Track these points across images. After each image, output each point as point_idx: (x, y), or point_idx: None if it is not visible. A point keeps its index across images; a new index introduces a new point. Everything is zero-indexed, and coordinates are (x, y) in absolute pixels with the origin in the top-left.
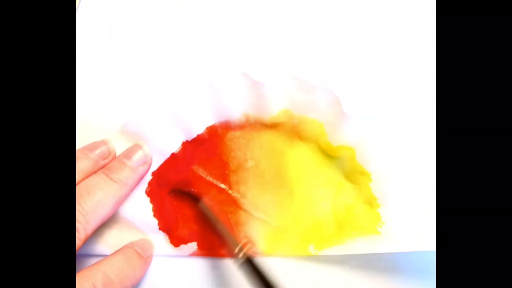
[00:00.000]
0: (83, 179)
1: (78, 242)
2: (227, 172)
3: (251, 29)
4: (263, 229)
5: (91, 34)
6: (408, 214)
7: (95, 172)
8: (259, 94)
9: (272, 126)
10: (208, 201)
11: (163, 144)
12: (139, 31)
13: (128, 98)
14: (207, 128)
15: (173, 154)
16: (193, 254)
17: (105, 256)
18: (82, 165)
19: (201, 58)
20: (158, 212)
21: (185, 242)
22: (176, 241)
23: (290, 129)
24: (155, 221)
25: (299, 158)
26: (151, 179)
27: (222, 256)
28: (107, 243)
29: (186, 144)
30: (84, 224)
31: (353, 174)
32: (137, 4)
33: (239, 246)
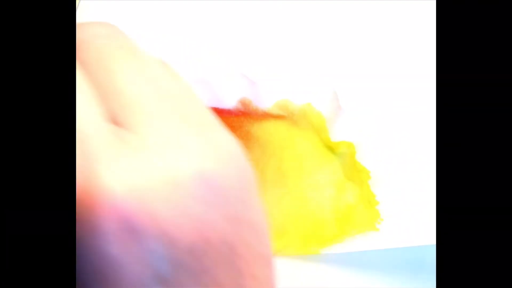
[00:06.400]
0: None
1: None
2: None
3: (248, 28)
4: None
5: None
6: (406, 210)
7: None
8: (257, 91)
9: (271, 116)
10: None
11: None
12: (139, 31)
13: None
14: None
15: None
16: None
17: None
18: None
19: (200, 57)
20: None
21: None
22: None
23: (291, 123)
24: None
25: (299, 157)
26: None
27: None
28: None
29: None
30: None
31: (353, 172)
32: (137, 4)
33: None
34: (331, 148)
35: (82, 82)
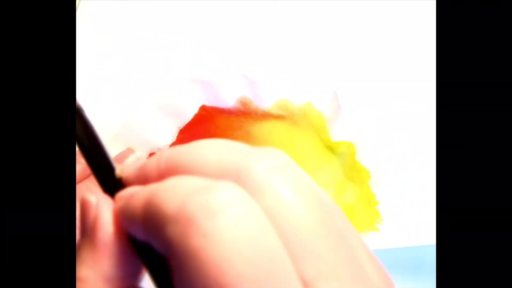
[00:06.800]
0: None
1: None
2: None
3: (248, 28)
4: None
5: (91, 34)
6: (406, 210)
7: (86, 178)
8: (257, 91)
9: (271, 116)
10: None
11: (159, 140)
12: (139, 31)
13: (127, 99)
14: (200, 108)
15: (171, 145)
16: None
17: None
18: None
19: (200, 58)
20: None
21: None
22: None
23: (291, 123)
24: None
25: (299, 157)
26: None
27: None
28: None
29: (182, 131)
30: None
31: (353, 172)
32: (137, 4)
33: None
34: (331, 148)
35: (275, 240)
